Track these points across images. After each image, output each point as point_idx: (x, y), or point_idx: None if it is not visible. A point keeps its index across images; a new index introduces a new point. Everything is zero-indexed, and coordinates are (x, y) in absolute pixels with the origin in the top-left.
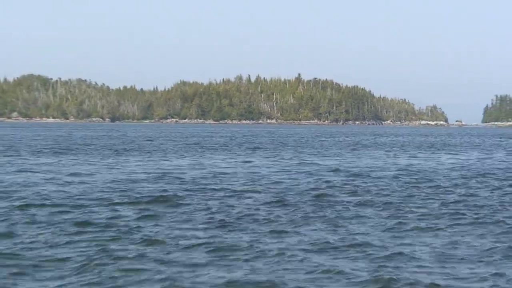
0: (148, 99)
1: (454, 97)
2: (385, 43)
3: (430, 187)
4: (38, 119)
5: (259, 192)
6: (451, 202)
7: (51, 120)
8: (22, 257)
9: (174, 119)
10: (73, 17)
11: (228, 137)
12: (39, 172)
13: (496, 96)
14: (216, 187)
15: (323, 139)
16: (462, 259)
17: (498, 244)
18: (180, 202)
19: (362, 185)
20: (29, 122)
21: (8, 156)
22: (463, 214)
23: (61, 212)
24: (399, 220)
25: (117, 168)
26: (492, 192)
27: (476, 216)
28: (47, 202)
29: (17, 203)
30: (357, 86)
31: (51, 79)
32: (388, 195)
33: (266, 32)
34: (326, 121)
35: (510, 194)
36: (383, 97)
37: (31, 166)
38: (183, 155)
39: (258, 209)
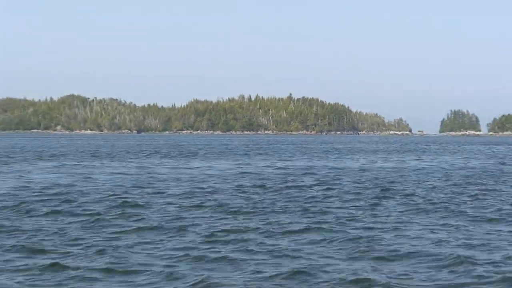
0: (168, 114)
1: (416, 111)
2: (361, 67)
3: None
4: (78, 131)
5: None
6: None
7: (88, 132)
8: None
9: (189, 131)
10: (107, 47)
11: (264, 146)
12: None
13: (451, 110)
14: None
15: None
16: None
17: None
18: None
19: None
20: (71, 134)
21: (168, 158)
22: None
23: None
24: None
25: (244, 165)
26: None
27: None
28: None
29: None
30: (338, 103)
31: (88, 98)
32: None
33: (263, 60)
34: (313, 132)
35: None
36: (359, 112)
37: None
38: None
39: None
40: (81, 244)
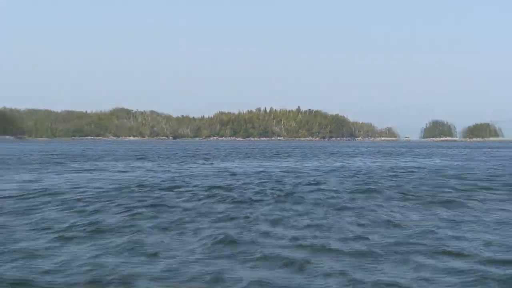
0: (198, 124)
1: (402, 119)
2: (358, 83)
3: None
4: (124, 138)
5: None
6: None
7: (132, 138)
8: None
9: (215, 137)
10: (147, 66)
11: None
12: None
13: (430, 120)
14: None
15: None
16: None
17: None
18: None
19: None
20: (119, 140)
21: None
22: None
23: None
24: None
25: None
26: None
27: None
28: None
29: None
30: (338, 114)
31: (132, 110)
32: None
33: (276, 77)
34: (317, 138)
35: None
36: (356, 122)
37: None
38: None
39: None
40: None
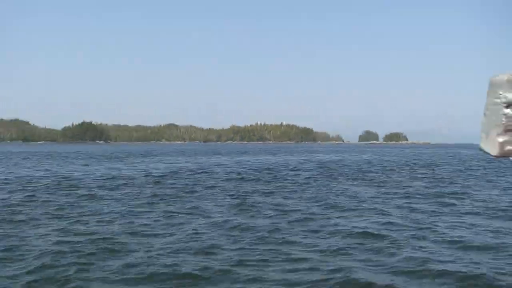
0: (219, 132)
1: (347, 129)
2: (319, 103)
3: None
4: (173, 142)
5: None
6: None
7: (178, 142)
8: None
9: (230, 141)
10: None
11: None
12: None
13: (363, 130)
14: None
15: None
16: None
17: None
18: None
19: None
20: (170, 143)
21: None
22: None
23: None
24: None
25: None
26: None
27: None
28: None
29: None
30: (306, 126)
31: (177, 125)
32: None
33: (269, 102)
34: (293, 142)
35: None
36: (317, 131)
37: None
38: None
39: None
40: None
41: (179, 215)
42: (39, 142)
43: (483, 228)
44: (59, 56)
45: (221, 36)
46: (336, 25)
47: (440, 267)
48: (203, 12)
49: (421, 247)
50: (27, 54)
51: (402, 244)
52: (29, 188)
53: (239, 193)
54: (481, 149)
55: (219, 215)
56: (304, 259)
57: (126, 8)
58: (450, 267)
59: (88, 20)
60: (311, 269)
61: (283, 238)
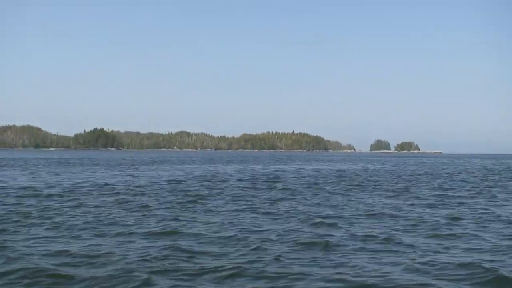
0: (230, 140)
1: (358, 138)
2: (330, 115)
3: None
4: (185, 149)
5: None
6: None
7: (190, 149)
8: None
9: (241, 149)
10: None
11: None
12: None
13: (375, 139)
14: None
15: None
16: None
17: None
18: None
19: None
20: (182, 151)
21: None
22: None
23: None
24: None
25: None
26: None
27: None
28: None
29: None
30: (318, 135)
31: (189, 132)
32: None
33: (281, 109)
34: (305, 150)
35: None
36: (328, 140)
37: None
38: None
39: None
40: None
41: None
42: (51, 149)
43: None
44: (70, 61)
45: (231, 41)
46: (352, 33)
47: None
48: (212, 16)
49: None
50: (38, 60)
51: None
52: (143, 191)
53: None
54: None
55: None
56: None
57: (139, 13)
58: None
59: (102, 25)
60: None
61: None
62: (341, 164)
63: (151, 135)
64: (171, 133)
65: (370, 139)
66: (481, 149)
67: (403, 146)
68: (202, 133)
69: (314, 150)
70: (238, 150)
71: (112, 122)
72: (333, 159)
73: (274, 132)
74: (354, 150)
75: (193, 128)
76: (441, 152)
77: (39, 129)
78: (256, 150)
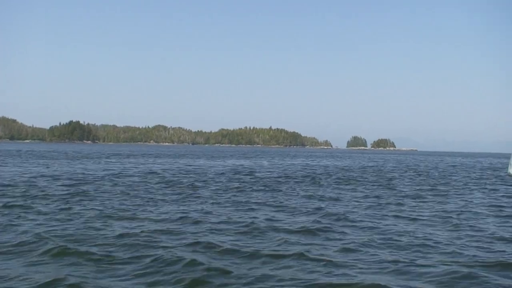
0: (207, 135)
1: (334, 135)
2: (308, 110)
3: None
4: (161, 143)
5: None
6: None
7: (166, 144)
8: None
9: (218, 144)
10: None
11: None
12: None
13: (351, 135)
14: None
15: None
16: None
17: None
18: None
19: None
20: (158, 145)
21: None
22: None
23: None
24: None
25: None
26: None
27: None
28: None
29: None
30: (295, 131)
31: (167, 126)
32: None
33: (258, 105)
34: (282, 146)
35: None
36: (305, 136)
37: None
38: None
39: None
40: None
41: None
42: (26, 141)
43: None
44: (48, 54)
45: (216, 35)
46: (330, 26)
47: None
48: (196, 11)
49: None
50: (13, 52)
51: None
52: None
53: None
54: (509, 175)
55: None
56: None
57: (122, 7)
58: None
59: (82, 17)
60: None
61: None
62: (341, 160)
63: (127, 129)
64: (148, 127)
65: (347, 136)
66: (458, 148)
67: (379, 143)
68: (179, 127)
69: (291, 146)
70: (215, 145)
71: (88, 115)
72: (321, 155)
73: (251, 128)
74: (331, 146)
75: (170, 122)
76: (416, 150)
77: (14, 121)
78: (234, 145)
